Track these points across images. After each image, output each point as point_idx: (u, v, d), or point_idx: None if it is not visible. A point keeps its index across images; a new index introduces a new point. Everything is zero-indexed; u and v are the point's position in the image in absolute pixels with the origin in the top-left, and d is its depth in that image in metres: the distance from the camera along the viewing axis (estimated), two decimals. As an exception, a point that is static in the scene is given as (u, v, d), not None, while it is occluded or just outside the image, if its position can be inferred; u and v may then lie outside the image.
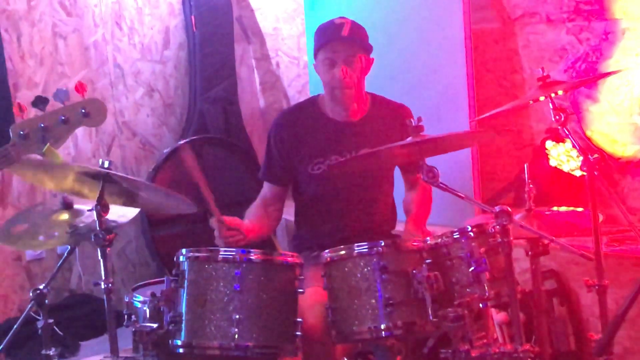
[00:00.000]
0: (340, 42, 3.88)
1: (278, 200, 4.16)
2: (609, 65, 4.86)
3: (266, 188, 4.18)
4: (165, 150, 6.25)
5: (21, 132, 3.01)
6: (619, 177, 4.92)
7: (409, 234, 3.89)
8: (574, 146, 3.50)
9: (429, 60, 5.38)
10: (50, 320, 3.64)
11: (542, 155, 4.97)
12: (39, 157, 3.11)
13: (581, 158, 3.43)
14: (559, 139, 4.89)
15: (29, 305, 3.64)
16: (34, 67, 5.86)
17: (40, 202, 4.22)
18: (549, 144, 4.94)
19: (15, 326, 3.70)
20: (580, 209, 3.86)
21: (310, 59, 6.10)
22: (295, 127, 4.06)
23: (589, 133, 4.98)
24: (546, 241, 3.34)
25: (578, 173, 4.80)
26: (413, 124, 3.18)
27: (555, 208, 3.95)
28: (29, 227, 3.73)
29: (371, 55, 3.99)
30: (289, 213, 4.34)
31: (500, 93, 5.47)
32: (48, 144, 3.04)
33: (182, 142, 6.27)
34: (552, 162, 4.91)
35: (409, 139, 3.20)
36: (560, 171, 4.88)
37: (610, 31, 4.85)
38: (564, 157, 4.85)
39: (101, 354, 4.16)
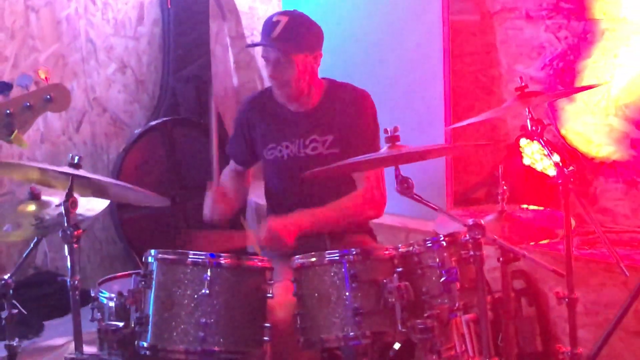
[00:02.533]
0: (270, 44, 3.83)
1: (240, 177, 4.30)
2: (586, 65, 4.84)
3: (230, 165, 4.32)
4: (136, 131, 6.19)
5: None
6: (592, 178, 4.92)
7: (266, 227, 3.79)
8: (549, 155, 3.47)
9: (405, 50, 5.34)
10: (15, 311, 3.60)
11: (516, 152, 4.95)
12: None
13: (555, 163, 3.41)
14: (533, 137, 4.87)
15: (-7, 295, 3.59)
16: (4, 41, 5.76)
17: (7, 192, 4.16)
18: (523, 141, 4.93)
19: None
20: (548, 209, 3.85)
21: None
22: (256, 112, 4.10)
23: (563, 132, 4.97)
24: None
25: (551, 172, 4.78)
26: (389, 133, 3.13)
27: (525, 206, 3.93)
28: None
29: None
30: (259, 197, 4.34)
31: (476, 87, 5.45)
32: (16, 131, 3.01)
33: (154, 122, 6.21)
34: (526, 161, 4.89)
35: (385, 150, 3.15)
36: (533, 170, 4.87)
37: (589, 31, 4.83)
38: (537, 155, 4.84)
39: (65, 335, 4.12)
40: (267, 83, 6.74)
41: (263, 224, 3.79)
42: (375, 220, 4.11)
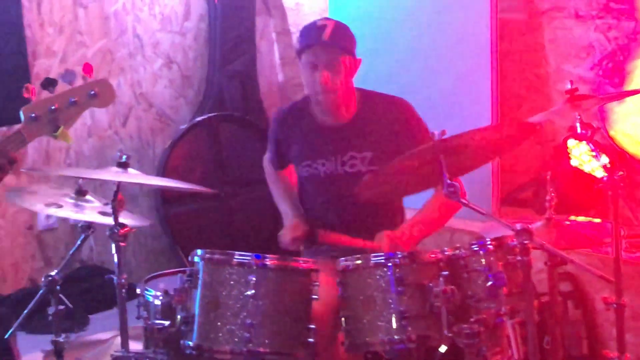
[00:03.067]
0: (321, 46, 3.77)
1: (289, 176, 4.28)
2: (636, 65, 4.78)
3: (280, 174, 4.31)
4: (181, 127, 6.21)
5: (32, 115, 3.00)
6: (640, 180, 4.87)
7: (385, 238, 3.72)
8: (597, 157, 3.44)
9: (452, 50, 5.31)
10: (62, 307, 3.63)
11: (563, 153, 4.90)
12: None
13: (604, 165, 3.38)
14: (581, 139, 4.82)
15: (40, 292, 3.62)
16: (53, 36, 5.80)
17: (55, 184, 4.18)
18: (571, 142, 4.87)
19: (28, 307, 3.68)
20: (598, 220, 3.82)
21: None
22: (286, 128, 4.08)
23: (612, 133, 4.91)
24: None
25: (599, 174, 4.73)
26: (436, 137, 3.10)
27: (573, 217, 3.90)
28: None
29: (357, 55, 3.90)
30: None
31: (523, 86, 5.40)
32: (62, 127, 3.03)
33: (200, 118, 6.22)
34: (574, 162, 4.84)
35: (429, 145, 3.12)
36: (581, 171, 4.81)
37: (639, 31, 4.76)
38: (585, 156, 4.78)
39: (110, 329, 4.16)
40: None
41: (379, 236, 3.72)
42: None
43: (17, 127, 3.01)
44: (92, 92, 3.07)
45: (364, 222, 3.92)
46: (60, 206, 3.62)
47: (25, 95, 3.01)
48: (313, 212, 4.10)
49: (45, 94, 3.01)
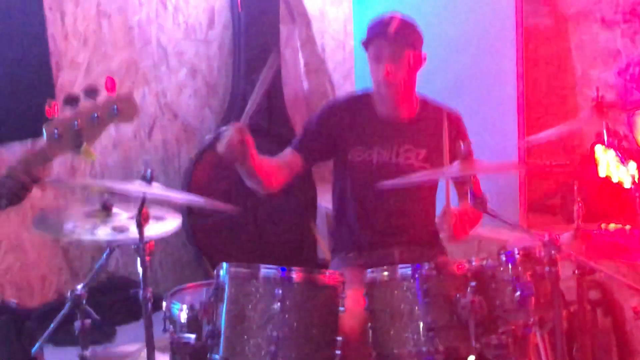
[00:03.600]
0: (386, 39, 3.82)
1: (288, 167, 4.02)
2: (663, 70, 4.76)
3: (287, 151, 4.08)
4: (207, 137, 6.19)
5: (55, 132, 2.97)
6: (669, 186, 4.81)
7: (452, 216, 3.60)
8: (624, 164, 3.42)
9: (477, 55, 5.28)
10: (88, 321, 3.64)
11: (591, 161, 4.85)
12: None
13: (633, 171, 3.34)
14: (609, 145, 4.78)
15: (66, 305, 3.62)
16: (77, 47, 5.79)
17: (79, 199, 4.18)
18: (599, 149, 4.82)
19: (55, 321, 3.69)
20: (628, 227, 3.78)
21: (357, 45, 6.03)
22: (345, 115, 4.02)
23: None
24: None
25: (627, 181, 4.68)
26: (462, 147, 3.09)
27: (603, 225, 3.87)
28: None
29: (423, 51, 3.94)
30: (329, 202, 4.28)
31: (549, 93, 5.37)
32: (85, 144, 3.01)
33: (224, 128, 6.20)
34: (602, 171, 4.79)
35: (457, 165, 3.12)
36: (609, 180, 4.76)
37: (665, 36, 4.74)
38: (613, 164, 4.73)
39: (137, 341, 4.15)
40: (338, 87, 6.77)
41: (444, 212, 3.56)
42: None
43: (39, 144, 3.00)
44: (115, 108, 3.05)
45: (406, 210, 3.98)
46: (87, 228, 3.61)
47: (48, 111, 3.00)
48: (358, 202, 4.02)
49: (68, 110, 3.00)
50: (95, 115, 3.01)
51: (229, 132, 3.66)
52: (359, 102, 4.06)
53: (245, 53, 6.50)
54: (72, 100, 2.99)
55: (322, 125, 4.03)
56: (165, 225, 3.63)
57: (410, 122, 3.98)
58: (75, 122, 2.98)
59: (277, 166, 3.96)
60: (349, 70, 6.73)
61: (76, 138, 3.00)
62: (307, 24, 6.88)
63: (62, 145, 3.00)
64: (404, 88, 3.90)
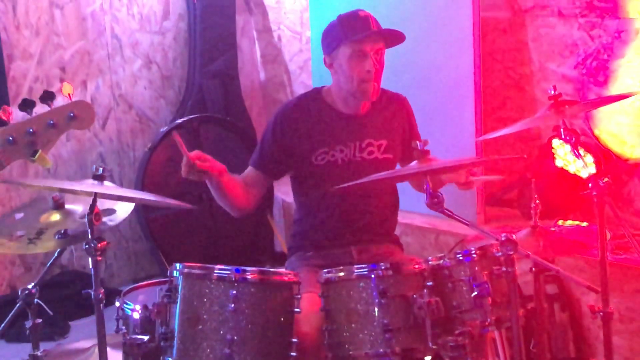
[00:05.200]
0: (372, 36, 3.79)
1: (256, 185, 3.97)
2: (620, 64, 4.74)
3: (250, 171, 4.00)
4: (162, 129, 6.13)
5: (9, 138, 2.94)
6: (626, 179, 4.82)
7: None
8: (580, 158, 3.42)
9: (436, 48, 5.26)
10: (39, 320, 3.56)
11: (548, 153, 4.86)
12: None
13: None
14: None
15: (17, 305, 3.55)
16: (29, 38, 5.72)
17: (27, 203, 4.11)
18: (556, 142, 4.82)
19: (6, 320, 3.58)
20: (585, 224, 3.78)
21: (314, 35, 5.99)
22: (299, 118, 3.94)
23: (597, 132, 4.87)
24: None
25: (584, 174, 4.68)
26: (419, 147, 3.06)
27: (560, 222, 3.86)
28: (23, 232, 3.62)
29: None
30: (286, 194, 4.24)
31: (507, 85, 5.36)
32: (40, 151, 2.96)
33: (180, 120, 6.16)
34: (558, 163, 4.79)
35: (414, 164, 3.09)
36: (566, 172, 4.77)
37: (623, 29, 4.73)
38: (570, 157, 4.73)
39: (91, 337, 4.08)
40: (295, 78, 6.73)
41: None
42: (404, 221, 4.04)
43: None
44: (71, 114, 3.01)
45: (380, 205, 3.98)
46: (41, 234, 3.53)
47: (2, 116, 2.95)
48: (325, 202, 3.97)
49: (23, 116, 2.95)
50: (51, 121, 2.96)
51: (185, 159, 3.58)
52: (312, 102, 4.00)
53: (200, 44, 6.46)
54: (27, 106, 2.94)
55: (278, 140, 3.93)
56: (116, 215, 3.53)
57: (368, 113, 3.95)
58: (30, 128, 2.93)
59: (244, 186, 3.92)
60: (306, 62, 6.68)
61: (31, 144, 2.95)
62: (264, 13, 6.84)
63: (16, 151, 2.96)
64: (379, 83, 3.87)
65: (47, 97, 2.98)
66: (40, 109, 2.98)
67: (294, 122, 3.94)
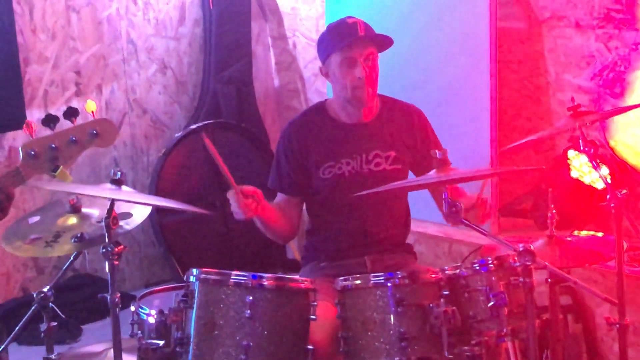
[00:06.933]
0: (360, 41, 3.76)
1: (291, 208, 4.00)
2: (637, 76, 4.73)
3: (279, 197, 4.04)
4: (176, 135, 6.13)
5: (32, 152, 2.97)
6: (642, 191, 4.81)
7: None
8: (597, 169, 3.42)
9: (452, 58, 5.26)
10: (54, 324, 3.58)
11: (563, 164, 4.85)
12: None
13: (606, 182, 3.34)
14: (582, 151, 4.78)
15: (32, 308, 3.56)
16: (45, 42, 5.74)
17: (45, 206, 4.12)
18: (571, 153, 4.82)
19: (21, 323, 3.60)
20: (600, 234, 3.78)
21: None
22: (304, 135, 3.95)
23: (612, 143, 4.86)
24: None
25: (599, 185, 4.68)
26: (438, 156, 3.06)
27: (576, 232, 3.86)
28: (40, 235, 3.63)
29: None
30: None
31: (522, 95, 5.35)
32: (61, 167, 2.98)
33: (195, 126, 6.16)
34: (574, 174, 4.79)
35: (433, 173, 3.09)
36: (581, 183, 4.76)
37: (640, 42, 4.73)
38: (585, 168, 4.73)
39: (103, 340, 4.09)
40: (309, 85, 6.73)
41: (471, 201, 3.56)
42: (418, 230, 4.02)
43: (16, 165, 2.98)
44: (94, 132, 3.03)
45: (382, 219, 3.93)
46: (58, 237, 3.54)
47: (25, 131, 2.97)
48: (334, 215, 3.97)
49: (46, 131, 2.97)
50: (74, 138, 2.97)
51: (233, 197, 3.64)
52: (315, 116, 3.99)
53: (215, 50, 6.47)
54: (50, 121, 2.96)
55: (290, 160, 3.95)
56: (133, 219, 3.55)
57: (373, 123, 3.93)
58: (52, 144, 2.94)
59: (282, 213, 3.95)
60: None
61: (52, 159, 2.98)
62: (279, 20, 6.83)
63: (37, 166, 2.99)
64: (375, 88, 3.85)
65: (71, 113, 3.00)
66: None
67: (302, 139, 3.94)
